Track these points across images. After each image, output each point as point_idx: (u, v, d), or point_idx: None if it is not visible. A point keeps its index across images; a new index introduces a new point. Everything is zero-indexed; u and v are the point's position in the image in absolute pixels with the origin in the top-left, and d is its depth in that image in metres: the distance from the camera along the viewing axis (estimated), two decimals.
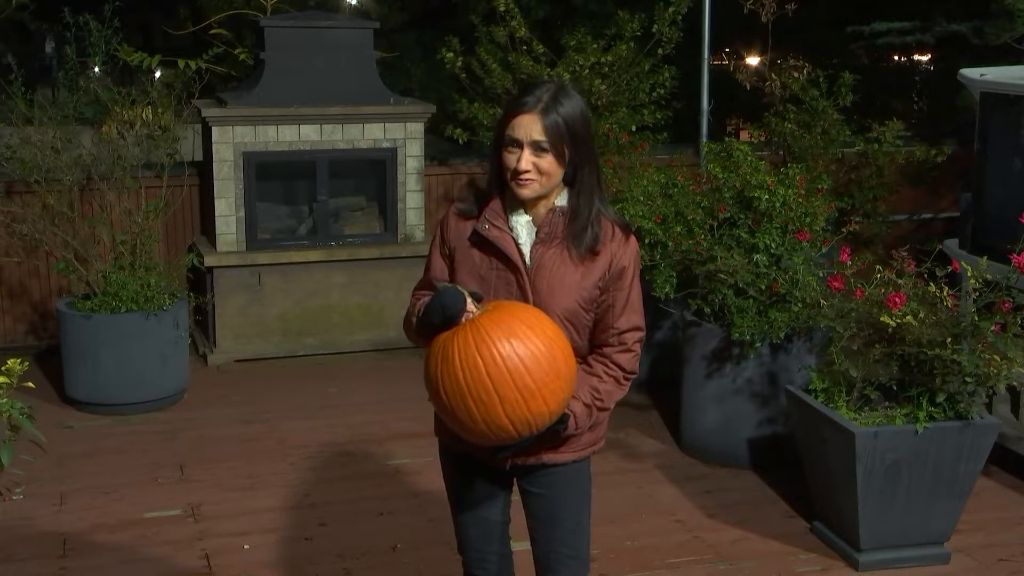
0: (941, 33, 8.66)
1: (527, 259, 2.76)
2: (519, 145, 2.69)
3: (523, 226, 2.78)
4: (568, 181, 2.77)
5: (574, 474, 2.90)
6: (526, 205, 2.78)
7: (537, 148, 2.68)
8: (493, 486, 2.97)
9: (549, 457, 2.85)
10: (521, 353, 2.52)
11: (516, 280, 2.75)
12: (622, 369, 2.83)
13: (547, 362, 2.54)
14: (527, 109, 2.68)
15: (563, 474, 2.88)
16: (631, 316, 2.82)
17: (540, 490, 2.91)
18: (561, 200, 2.79)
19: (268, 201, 6.97)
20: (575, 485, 2.91)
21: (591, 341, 2.85)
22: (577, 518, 2.93)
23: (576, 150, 2.72)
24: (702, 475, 5.16)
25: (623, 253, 2.79)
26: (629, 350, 2.83)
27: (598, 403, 2.80)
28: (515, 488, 3.01)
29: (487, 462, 2.87)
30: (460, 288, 2.65)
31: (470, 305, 2.62)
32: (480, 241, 2.79)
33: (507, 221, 2.79)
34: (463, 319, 2.60)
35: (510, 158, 2.71)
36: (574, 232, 2.75)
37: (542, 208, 2.78)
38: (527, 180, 2.70)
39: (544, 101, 2.68)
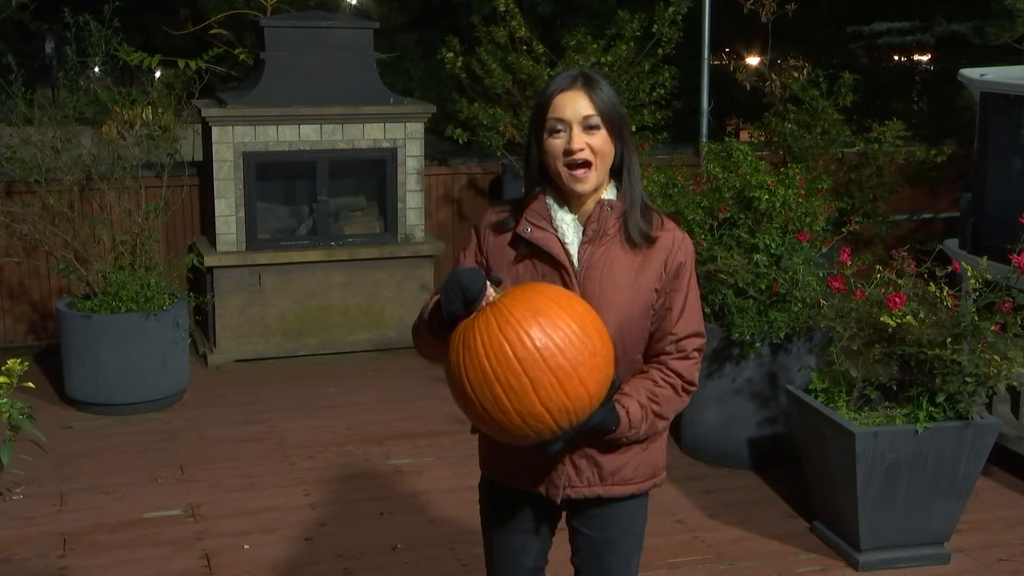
0: (941, 33, 8.68)
1: (575, 260, 2.52)
2: (567, 126, 2.45)
3: (568, 225, 2.53)
4: (615, 169, 2.54)
5: (630, 515, 2.66)
6: (571, 203, 2.53)
7: (588, 125, 2.45)
8: (535, 529, 2.72)
9: (607, 491, 2.59)
10: (550, 330, 2.26)
11: (564, 284, 2.49)
12: (680, 377, 2.57)
13: (579, 339, 2.27)
14: (567, 87, 2.47)
15: (619, 515, 2.64)
16: (690, 321, 2.57)
17: (592, 532, 2.66)
18: (608, 194, 2.54)
19: (268, 201, 6.97)
20: (629, 528, 2.67)
21: (647, 351, 2.59)
22: (626, 563, 2.69)
23: (622, 129, 2.51)
24: (702, 475, 5.16)
25: (679, 249, 2.54)
26: (688, 357, 2.57)
27: (654, 406, 2.53)
28: (558, 521, 2.79)
29: (534, 497, 2.64)
30: (479, 269, 2.38)
31: (490, 289, 2.35)
32: (522, 247, 2.54)
33: (551, 221, 2.53)
34: (483, 302, 2.33)
35: (557, 143, 2.46)
36: (629, 223, 2.51)
37: (589, 203, 2.53)
38: (583, 170, 2.46)
39: (582, 78, 2.48)
